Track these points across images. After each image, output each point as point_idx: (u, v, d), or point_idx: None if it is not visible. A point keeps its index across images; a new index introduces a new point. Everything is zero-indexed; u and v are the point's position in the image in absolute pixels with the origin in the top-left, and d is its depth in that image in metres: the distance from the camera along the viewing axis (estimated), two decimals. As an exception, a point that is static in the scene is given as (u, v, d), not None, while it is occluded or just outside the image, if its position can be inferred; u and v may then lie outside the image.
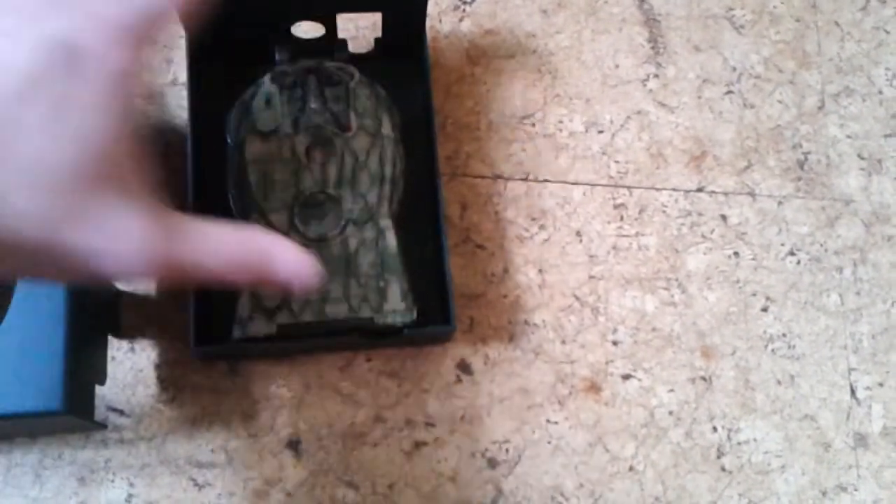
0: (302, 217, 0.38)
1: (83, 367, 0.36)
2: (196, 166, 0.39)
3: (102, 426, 0.39)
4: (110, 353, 0.40)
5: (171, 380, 0.40)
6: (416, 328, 0.38)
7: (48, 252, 0.23)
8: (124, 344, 0.40)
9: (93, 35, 0.23)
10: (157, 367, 0.40)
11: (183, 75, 0.44)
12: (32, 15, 0.23)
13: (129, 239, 0.25)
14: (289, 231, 0.38)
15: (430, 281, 0.40)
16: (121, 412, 0.39)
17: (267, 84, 0.40)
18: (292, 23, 0.41)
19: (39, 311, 0.34)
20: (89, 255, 0.24)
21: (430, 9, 0.43)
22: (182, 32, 0.43)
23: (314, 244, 0.38)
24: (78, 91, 0.23)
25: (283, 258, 0.27)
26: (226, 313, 0.37)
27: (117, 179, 0.25)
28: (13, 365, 0.33)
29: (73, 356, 0.34)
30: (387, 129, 0.40)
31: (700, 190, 0.45)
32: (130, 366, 0.40)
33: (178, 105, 0.43)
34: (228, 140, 0.40)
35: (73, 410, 0.34)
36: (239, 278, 0.27)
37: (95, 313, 0.38)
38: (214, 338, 0.38)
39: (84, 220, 0.24)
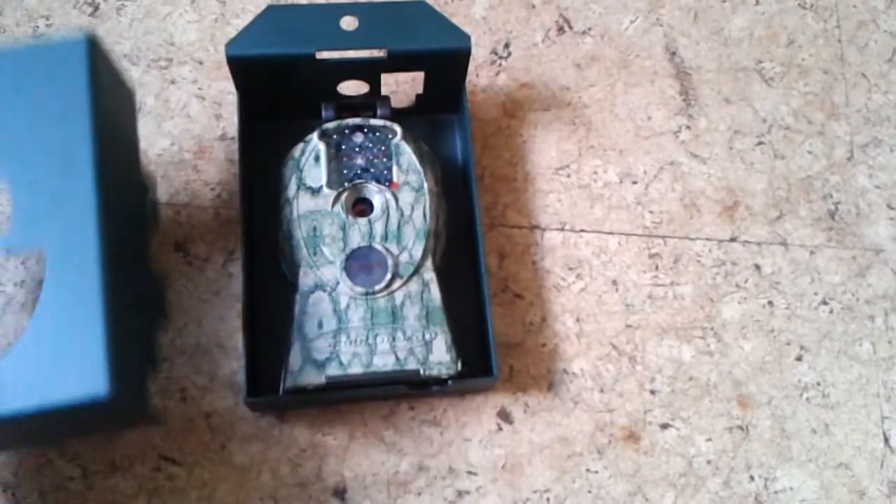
0: (349, 271, 0.39)
1: (129, 350, 0.33)
2: (246, 220, 0.40)
3: (156, 421, 0.38)
4: (162, 401, 0.41)
5: (220, 429, 0.41)
6: (460, 379, 0.39)
7: None
8: (176, 393, 0.41)
9: None
10: (207, 416, 0.41)
11: (232, 130, 0.45)
12: None
13: None
14: (336, 285, 0.39)
15: (471, 331, 0.41)
16: (172, 461, 0.40)
17: (315, 141, 0.41)
18: (339, 82, 0.42)
19: (73, 289, 0.31)
20: None
21: (469, 63, 0.44)
22: (232, 89, 0.45)
23: (361, 298, 0.39)
24: None
25: None
26: (275, 364, 0.38)
27: None
28: (49, 351, 0.30)
29: (116, 336, 0.31)
30: (430, 183, 0.41)
31: (733, 240, 0.46)
32: (181, 415, 0.41)
33: (228, 159, 0.45)
34: (281, 196, 0.41)
35: (121, 398, 0.30)
36: None
37: (135, 290, 0.35)
38: (264, 388, 0.39)
39: None
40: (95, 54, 0.34)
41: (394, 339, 0.38)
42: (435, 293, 0.39)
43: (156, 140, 0.45)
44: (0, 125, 0.33)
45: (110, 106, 0.35)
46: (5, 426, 0.31)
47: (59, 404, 0.30)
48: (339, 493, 0.40)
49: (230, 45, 0.39)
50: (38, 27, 0.47)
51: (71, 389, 0.30)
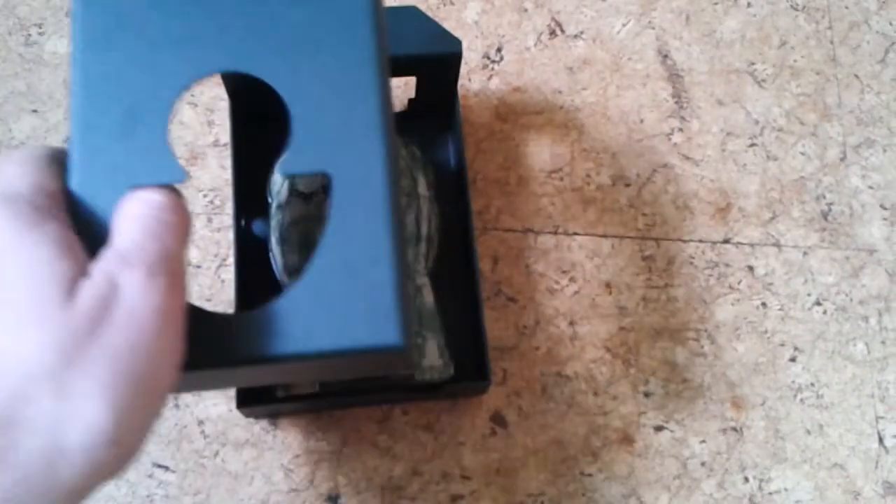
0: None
1: (410, 298, 0.29)
2: (239, 226, 0.40)
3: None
4: (155, 408, 0.41)
5: (213, 435, 0.41)
6: (453, 383, 0.39)
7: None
8: (169, 400, 0.41)
9: None
10: (201, 422, 0.41)
11: (224, 136, 0.45)
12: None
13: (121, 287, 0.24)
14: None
15: (464, 334, 0.41)
16: (165, 468, 0.40)
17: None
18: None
19: (360, 223, 0.28)
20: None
21: (460, 68, 0.44)
22: (224, 96, 0.45)
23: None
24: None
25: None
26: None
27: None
28: (337, 294, 0.27)
29: (403, 278, 0.28)
30: (422, 188, 0.41)
31: (726, 241, 0.46)
32: (175, 422, 0.41)
33: (221, 166, 0.45)
34: (270, 201, 0.41)
35: (410, 346, 0.28)
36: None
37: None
38: (257, 394, 0.39)
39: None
40: None
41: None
42: (428, 297, 0.39)
43: (148, 147, 0.45)
44: (279, 27, 0.30)
45: (384, 28, 0.31)
46: (278, 368, 0.29)
47: (348, 350, 0.27)
48: (333, 498, 0.40)
49: None
50: (30, 35, 0.48)
51: (361, 335, 0.27)
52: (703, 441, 0.42)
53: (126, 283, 0.24)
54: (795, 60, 0.50)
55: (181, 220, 0.27)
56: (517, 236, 0.45)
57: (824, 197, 0.47)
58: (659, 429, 0.42)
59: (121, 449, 0.23)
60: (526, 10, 0.50)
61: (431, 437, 0.42)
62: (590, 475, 0.41)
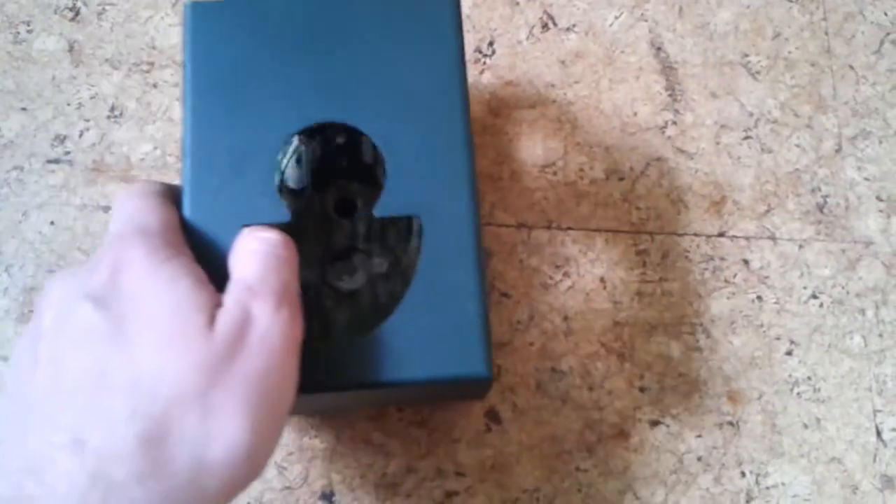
0: (333, 272, 0.39)
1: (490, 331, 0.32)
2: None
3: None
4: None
5: (205, 434, 0.40)
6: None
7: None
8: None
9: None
10: (192, 421, 0.41)
11: (213, 133, 0.45)
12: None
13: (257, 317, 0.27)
14: (321, 286, 0.39)
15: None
16: (157, 467, 0.40)
17: (296, 143, 0.40)
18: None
19: (450, 258, 0.30)
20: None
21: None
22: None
23: (345, 299, 0.38)
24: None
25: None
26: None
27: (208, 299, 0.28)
28: (429, 326, 0.30)
29: (486, 312, 0.31)
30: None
31: (721, 235, 0.46)
32: (166, 420, 0.41)
33: (210, 163, 0.45)
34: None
35: (492, 377, 0.31)
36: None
37: None
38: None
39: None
40: (459, 7, 0.33)
41: (378, 339, 0.38)
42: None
43: (138, 145, 0.45)
44: (372, 78, 0.32)
45: (467, 82, 0.33)
46: (374, 393, 0.32)
47: (438, 379, 0.30)
48: (327, 496, 0.40)
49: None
50: (18, 33, 0.47)
51: (450, 366, 0.30)
52: (700, 436, 0.42)
53: (258, 313, 0.27)
54: (790, 52, 0.49)
55: (292, 255, 0.29)
56: (510, 231, 0.45)
57: (820, 189, 0.47)
58: (655, 424, 0.42)
59: (255, 462, 0.26)
60: (518, 4, 0.49)
61: (425, 433, 0.41)
62: (585, 470, 0.41)
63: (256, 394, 0.25)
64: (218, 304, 0.27)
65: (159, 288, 0.26)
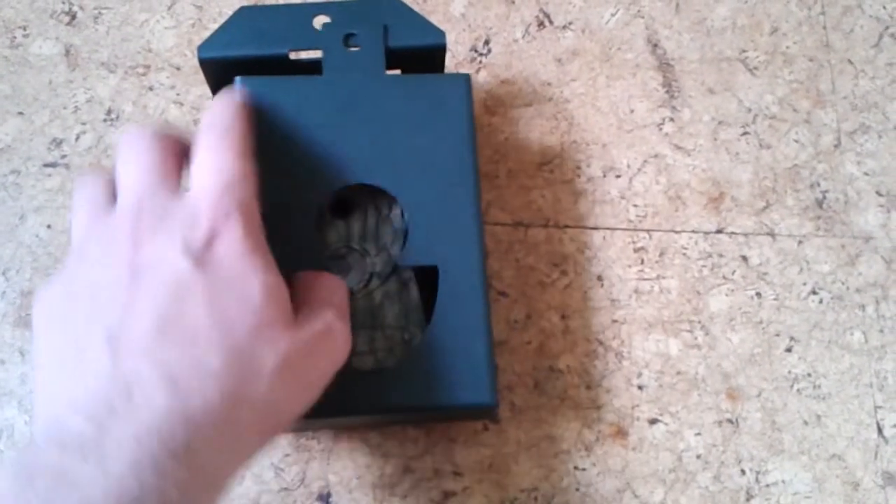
0: (326, 272, 0.39)
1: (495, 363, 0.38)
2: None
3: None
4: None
5: (202, 435, 0.40)
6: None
7: (303, 381, 0.31)
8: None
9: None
10: (189, 423, 0.41)
11: (208, 135, 0.45)
12: None
13: (334, 324, 0.32)
14: None
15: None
16: (154, 469, 0.40)
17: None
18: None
19: (462, 301, 0.36)
20: (328, 359, 0.32)
21: (448, 61, 0.44)
22: (210, 94, 0.45)
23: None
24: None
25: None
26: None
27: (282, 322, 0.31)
28: (444, 360, 0.35)
29: (493, 353, 0.36)
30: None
31: (720, 231, 0.45)
32: (163, 422, 0.41)
33: (205, 165, 0.45)
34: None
35: (497, 404, 0.36)
36: None
37: None
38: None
39: (309, 341, 0.31)
40: (471, 90, 0.39)
41: (373, 339, 0.38)
42: (414, 293, 0.39)
43: (134, 147, 0.45)
44: (398, 147, 0.37)
45: (477, 144, 0.39)
46: (396, 416, 0.38)
47: (449, 406, 0.35)
48: (324, 497, 0.40)
49: (202, 47, 0.39)
50: (15, 38, 0.47)
51: (461, 395, 0.35)
52: (699, 433, 0.42)
53: (337, 329, 0.32)
54: (788, 47, 0.49)
55: (344, 290, 0.35)
56: (507, 230, 0.45)
57: (819, 185, 0.47)
58: (653, 422, 0.42)
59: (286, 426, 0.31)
60: (513, 2, 0.49)
61: (422, 433, 0.41)
62: (584, 469, 0.41)
63: (319, 386, 0.31)
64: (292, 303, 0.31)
65: (254, 273, 0.29)
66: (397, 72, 0.41)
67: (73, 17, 0.48)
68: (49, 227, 0.44)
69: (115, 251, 0.29)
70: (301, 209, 0.36)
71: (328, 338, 0.31)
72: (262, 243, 0.31)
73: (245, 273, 0.29)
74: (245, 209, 0.30)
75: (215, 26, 0.47)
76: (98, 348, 0.27)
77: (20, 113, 0.46)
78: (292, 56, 0.40)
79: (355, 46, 0.39)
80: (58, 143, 0.46)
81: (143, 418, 0.25)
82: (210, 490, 0.27)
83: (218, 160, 0.31)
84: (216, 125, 0.32)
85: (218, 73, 0.40)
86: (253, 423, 0.28)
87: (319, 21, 0.40)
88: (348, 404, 0.35)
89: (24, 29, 0.48)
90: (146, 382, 0.26)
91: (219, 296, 0.28)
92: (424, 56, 0.41)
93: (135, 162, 0.31)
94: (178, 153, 0.33)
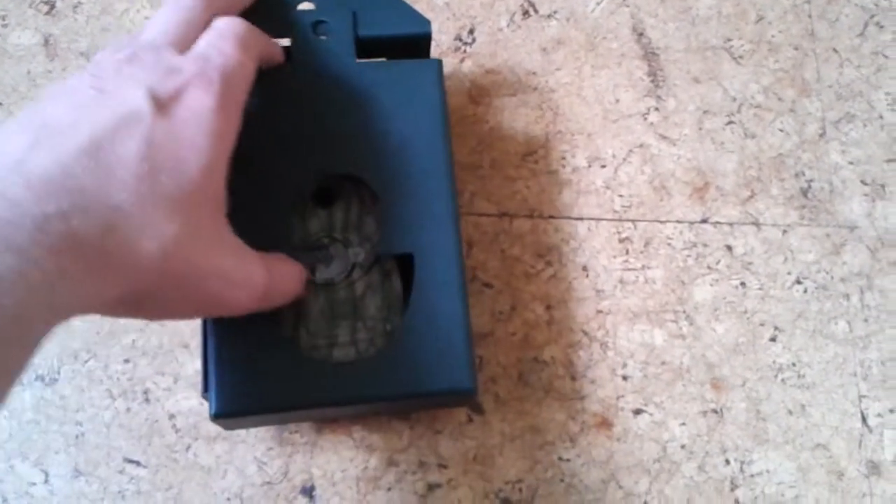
0: (308, 261, 0.39)
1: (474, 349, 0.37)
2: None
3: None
4: (125, 403, 0.40)
5: (185, 429, 0.40)
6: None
7: (192, 278, 0.29)
8: (139, 395, 0.41)
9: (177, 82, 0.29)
10: (172, 416, 0.40)
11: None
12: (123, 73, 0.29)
13: (251, 266, 0.31)
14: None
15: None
16: (137, 463, 0.40)
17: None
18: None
19: (440, 288, 0.36)
20: (221, 281, 0.30)
21: (432, 51, 0.43)
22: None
23: (321, 289, 0.38)
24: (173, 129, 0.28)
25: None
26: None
27: (220, 211, 0.31)
28: (423, 348, 0.35)
29: (471, 340, 0.36)
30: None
31: (704, 221, 0.45)
32: (146, 416, 0.40)
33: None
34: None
35: (476, 390, 0.36)
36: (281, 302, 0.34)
37: None
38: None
39: (220, 246, 0.30)
40: (442, 75, 0.39)
41: (354, 330, 0.37)
42: (396, 284, 0.38)
43: (114, 138, 0.45)
44: (372, 137, 0.37)
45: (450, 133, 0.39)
46: (378, 405, 0.37)
47: (429, 392, 0.35)
48: (308, 490, 0.40)
49: None
50: (-8, 27, 0.47)
51: (440, 381, 0.35)
52: (683, 424, 0.42)
53: (241, 275, 0.32)
54: (773, 35, 0.49)
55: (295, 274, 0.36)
56: (492, 220, 0.45)
57: (803, 174, 0.46)
58: (638, 412, 0.42)
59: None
60: (498, -9, 0.49)
61: (407, 426, 0.41)
62: (568, 460, 0.41)
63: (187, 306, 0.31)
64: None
65: (205, 149, 0.29)
66: (369, 60, 0.40)
67: (52, 6, 0.47)
68: (28, 219, 0.44)
69: (96, 72, 0.29)
70: (274, 202, 0.36)
71: (229, 274, 0.30)
72: (229, 126, 0.30)
73: (196, 143, 0.28)
74: (228, 86, 0.30)
75: (196, 16, 0.47)
76: (21, 129, 0.26)
77: (-2, 104, 0.45)
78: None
79: (324, 34, 0.39)
80: (37, 134, 0.45)
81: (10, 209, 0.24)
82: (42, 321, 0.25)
83: (222, 43, 0.32)
84: (239, 27, 0.33)
85: None
86: (109, 279, 0.26)
87: (303, 8, 0.39)
88: (328, 395, 0.35)
89: (3, 19, 0.47)
90: (36, 181, 0.24)
91: (159, 149, 0.27)
92: (409, 45, 0.40)
93: (161, 16, 0.32)
94: (203, 25, 0.33)
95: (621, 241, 0.45)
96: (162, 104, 0.28)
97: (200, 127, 0.29)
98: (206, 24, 0.33)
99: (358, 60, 0.39)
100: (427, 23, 0.40)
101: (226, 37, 0.32)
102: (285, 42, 0.38)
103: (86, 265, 0.25)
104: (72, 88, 0.28)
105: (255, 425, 0.40)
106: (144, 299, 0.28)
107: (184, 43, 0.32)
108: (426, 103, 0.38)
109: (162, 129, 0.28)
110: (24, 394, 0.41)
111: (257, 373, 0.34)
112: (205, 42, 0.32)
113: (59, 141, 0.26)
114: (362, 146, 0.37)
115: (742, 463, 0.41)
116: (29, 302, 0.23)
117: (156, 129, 0.27)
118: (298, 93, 0.38)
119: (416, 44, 0.41)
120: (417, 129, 0.37)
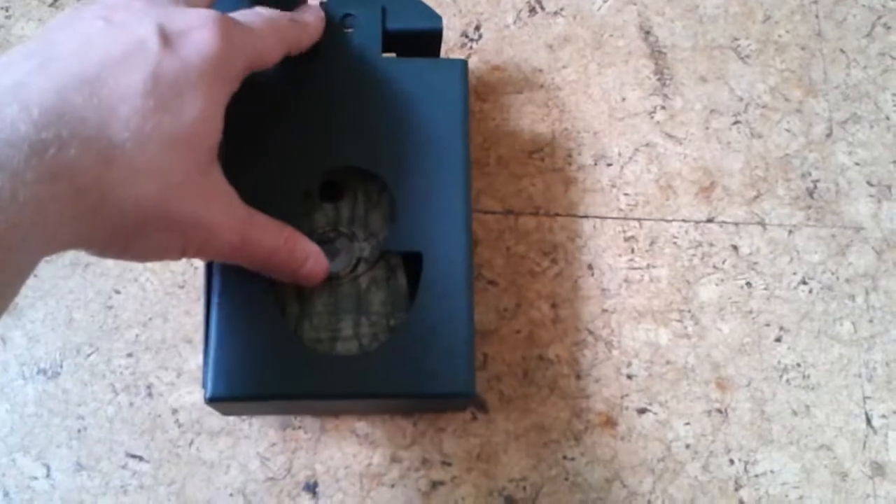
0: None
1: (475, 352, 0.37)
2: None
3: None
4: (128, 398, 0.40)
5: (188, 424, 0.40)
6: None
7: (184, 224, 0.28)
8: (142, 389, 0.40)
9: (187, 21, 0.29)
10: (175, 411, 0.40)
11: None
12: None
13: (233, 215, 0.30)
14: None
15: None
16: (140, 458, 0.39)
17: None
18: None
19: (446, 290, 0.35)
20: (205, 228, 0.29)
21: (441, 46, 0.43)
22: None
23: (325, 282, 0.38)
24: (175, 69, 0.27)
25: (311, 261, 0.34)
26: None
27: (213, 159, 0.30)
28: (426, 348, 0.34)
29: (474, 343, 0.35)
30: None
31: (710, 220, 0.45)
32: (148, 411, 0.40)
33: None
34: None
35: (475, 395, 0.35)
36: (276, 270, 0.33)
37: None
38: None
39: (206, 193, 0.29)
40: (467, 76, 0.39)
41: (358, 325, 0.37)
42: (402, 279, 0.38)
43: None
44: (390, 131, 0.37)
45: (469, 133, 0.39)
46: (373, 403, 0.37)
47: (428, 394, 0.34)
48: (311, 486, 0.40)
49: None
50: (-3, 19, 0.47)
51: (440, 384, 0.34)
52: (688, 423, 0.42)
53: (213, 234, 0.31)
54: (780, 35, 0.49)
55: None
56: (497, 218, 0.45)
57: (810, 174, 0.46)
58: (642, 411, 0.42)
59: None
60: (505, -12, 0.49)
61: (410, 423, 0.41)
62: (572, 459, 0.41)
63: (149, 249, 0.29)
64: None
65: (203, 97, 0.28)
66: (393, 55, 0.40)
67: (57, -2, 0.47)
68: (32, 212, 0.43)
69: (107, 2, 0.28)
70: (290, 188, 0.36)
71: (219, 224, 0.30)
72: (231, 74, 0.30)
73: (200, 84, 0.28)
74: (235, 40, 0.30)
75: (202, 9, 0.47)
76: (25, 54, 0.26)
77: (2, 96, 0.45)
78: None
79: (351, 27, 0.39)
80: (41, 126, 0.45)
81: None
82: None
83: (257, 20, 0.32)
84: (287, 20, 0.34)
85: None
86: (87, 220, 0.26)
87: (312, 2, 0.39)
88: (324, 387, 0.34)
89: (7, 10, 0.47)
90: (34, 106, 0.24)
91: (163, 85, 0.27)
92: (421, 39, 0.40)
93: None
94: None
95: (627, 239, 0.44)
96: (169, 40, 0.27)
97: (205, 67, 0.28)
98: None
99: (383, 55, 0.39)
100: (439, 18, 0.40)
101: (264, 22, 0.33)
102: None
103: (80, 197, 0.25)
104: (80, 17, 0.28)
105: (252, 413, 0.40)
106: (132, 240, 0.27)
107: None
108: (448, 103, 0.38)
109: (168, 65, 0.27)
110: (26, 388, 0.40)
111: (256, 360, 0.34)
112: (243, 15, 0.32)
113: (60, 66, 0.25)
114: (381, 141, 0.37)
115: (746, 463, 0.41)
116: (19, 224, 0.23)
117: (162, 63, 0.27)
118: (323, 84, 0.37)
119: (427, 39, 0.40)
120: (437, 129, 0.37)
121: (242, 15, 0.33)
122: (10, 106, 0.23)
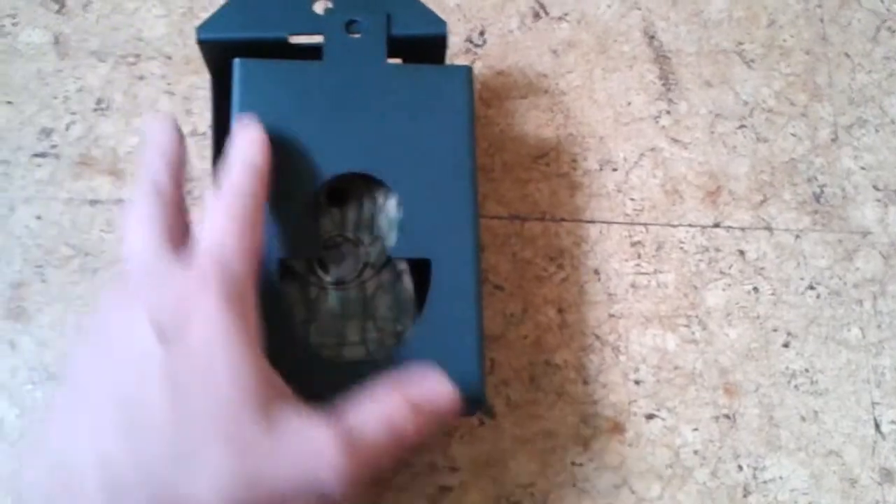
0: (320, 261, 0.38)
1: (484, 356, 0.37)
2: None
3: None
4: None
5: (193, 430, 0.40)
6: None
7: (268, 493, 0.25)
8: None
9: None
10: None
11: (202, 125, 0.44)
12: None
13: (321, 450, 0.27)
14: (308, 275, 0.38)
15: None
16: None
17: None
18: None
19: (455, 296, 0.35)
20: (292, 482, 0.26)
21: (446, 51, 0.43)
22: (202, 84, 0.44)
23: (332, 288, 0.38)
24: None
25: (427, 394, 0.30)
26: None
27: (281, 396, 0.28)
28: (435, 353, 0.34)
29: (483, 347, 0.35)
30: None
31: (717, 225, 0.45)
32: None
33: (200, 155, 0.44)
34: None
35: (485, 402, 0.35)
36: (419, 436, 0.29)
37: None
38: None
39: (286, 445, 0.26)
40: (472, 83, 0.38)
41: (364, 330, 0.37)
42: (408, 284, 0.38)
43: (124, 138, 0.45)
44: (396, 137, 0.37)
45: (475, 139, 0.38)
46: None
47: None
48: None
49: (201, 28, 0.38)
50: (3, 26, 0.47)
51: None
52: (696, 429, 0.41)
53: (326, 455, 0.28)
54: (785, 40, 0.49)
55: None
56: (503, 223, 0.44)
57: (816, 179, 0.46)
58: (650, 417, 0.41)
59: None
60: (509, -7, 0.49)
61: (417, 428, 0.41)
62: (580, 465, 0.41)
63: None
64: (282, 396, 0.28)
65: (223, 364, 0.26)
66: (398, 61, 0.40)
67: (63, 5, 0.47)
68: (39, 217, 0.43)
69: (101, 318, 0.28)
70: (297, 195, 0.36)
71: (307, 459, 0.26)
72: (247, 320, 0.28)
73: (218, 361, 0.26)
74: (228, 270, 0.28)
75: (206, 15, 0.47)
76: (61, 422, 0.26)
77: (9, 102, 0.45)
78: (292, 40, 0.39)
79: (357, 33, 0.39)
80: (47, 132, 0.45)
81: None
82: None
83: (220, 230, 0.29)
84: (233, 184, 0.31)
85: (217, 55, 0.39)
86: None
87: (320, 6, 0.39)
88: (330, 392, 0.33)
89: (14, 17, 0.47)
90: (87, 476, 0.24)
91: (182, 382, 0.25)
92: (425, 45, 0.40)
93: (134, 218, 0.30)
94: (180, 204, 0.31)
95: (633, 244, 0.44)
96: (169, 336, 0.26)
97: (218, 342, 0.26)
98: (179, 187, 0.31)
99: (388, 61, 0.39)
100: (443, 24, 0.40)
101: (227, 215, 0.30)
102: (317, 39, 0.38)
103: None
104: (83, 347, 0.27)
105: None
106: None
107: (171, 232, 0.30)
108: (454, 110, 0.38)
109: (179, 360, 0.26)
110: (35, 393, 0.40)
111: None
112: (207, 233, 0.29)
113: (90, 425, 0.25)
114: (387, 147, 0.37)
115: (755, 469, 0.41)
116: None
117: (171, 363, 0.26)
118: (328, 90, 0.37)
119: (432, 44, 0.40)
120: (443, 135, 0.37)
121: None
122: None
